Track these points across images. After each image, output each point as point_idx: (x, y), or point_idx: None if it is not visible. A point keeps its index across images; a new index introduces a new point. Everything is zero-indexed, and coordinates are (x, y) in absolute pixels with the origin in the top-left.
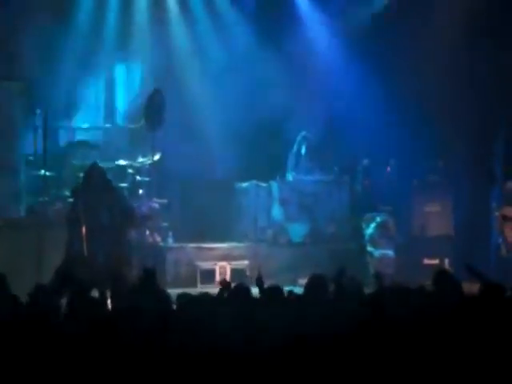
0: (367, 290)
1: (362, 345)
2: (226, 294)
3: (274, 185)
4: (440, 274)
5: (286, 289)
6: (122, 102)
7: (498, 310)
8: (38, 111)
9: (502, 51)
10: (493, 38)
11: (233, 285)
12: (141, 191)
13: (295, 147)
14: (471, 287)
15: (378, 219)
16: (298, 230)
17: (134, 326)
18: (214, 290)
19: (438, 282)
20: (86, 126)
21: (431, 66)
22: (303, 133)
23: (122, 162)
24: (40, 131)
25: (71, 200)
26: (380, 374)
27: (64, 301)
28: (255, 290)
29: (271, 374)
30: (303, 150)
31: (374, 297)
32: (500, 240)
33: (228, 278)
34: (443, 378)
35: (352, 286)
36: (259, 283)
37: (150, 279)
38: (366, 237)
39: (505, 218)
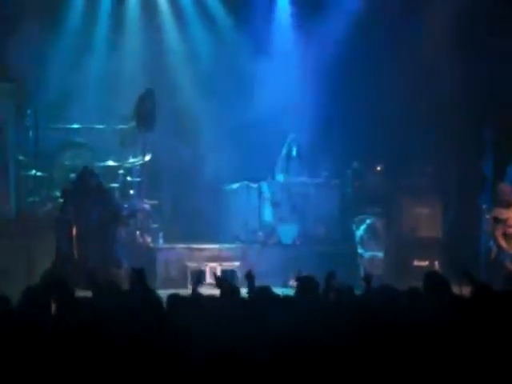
0: (357, 292)
1: (352, 347)
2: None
3: (265, 186)
4: (430, 275)
5: (277, 290)
6: (113, 103)
7: (488, 311)
8: (29, 112)
9: (489, 52)
10: (480, 38)
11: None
12: (131, 192)
13: (284, 150)
14: (461, 289)
15: (368, 221)
16: (288, 232)
17: (124, 327)
18: (204, 290)
19: (429, 284)
20: (76, 126)
21: (421, 70)
22: (292, 135)
23: (112, 163)
24: (31, 132)
25: (61, 200)
26: (369, 374)
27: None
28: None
29: (263, 375)
30: (293, 153)
31: (363, 299)
32: (491, 243)
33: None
34: (434, 378)
35: (342, 290)
36: (249, 278)
37: (140, 280)
38: (357, 238)
39: (496, 220)
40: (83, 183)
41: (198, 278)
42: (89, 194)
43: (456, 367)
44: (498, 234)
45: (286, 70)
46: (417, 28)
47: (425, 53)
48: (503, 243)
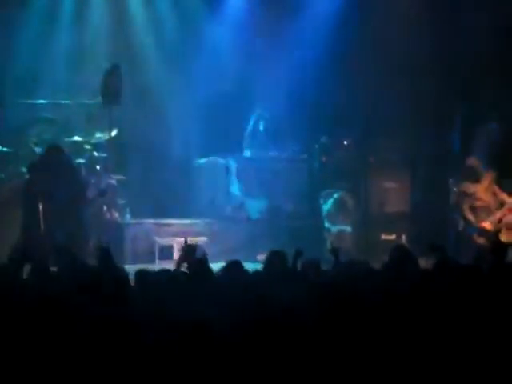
0: (325, 266)
1: (321, 321)
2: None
3: (232, 161)
4: (396, 249)
5: (246, 265)
6: (79, 78)
7: (454, 283)
8: None
9: (457, 26)
10: (447, 13)
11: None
12: (98, 167)
13: (251, 125)
14: (427, 263)
15: (336, 195)
16: (256, 207)
17: (89, 303)
18: (172, 266)
19: (395, 257)
20: (43, 102)
21: (389, 45)
22: (259, 110)
23: (79, 138)
24: None
25: (28, 176)
26: (340, 349)
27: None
28: (215, 266)
29: (233, 352)
30: (260, 127)
31: (331, 273)
32: (456, 216)
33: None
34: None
35: (309, 267)
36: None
37: (106, 257)
38: (324, 213)
39: (464, 193)
40: (50, 159)
41: (189, 253)
42: (56, 169)
43: (422, 338)
44: (466, 207)
45: (254, 44)
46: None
47: (393, 27)
48: (471, 217)
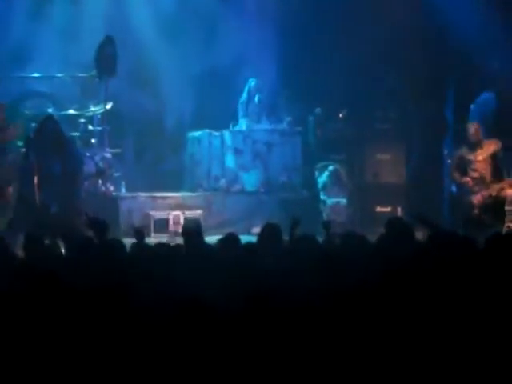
0: (320, 239)
1: (314, 294)
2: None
3: (227, 134)
4: (392, 221)
5: (241, 238)
6: (73, 51)
7: (449, 256)
8: None
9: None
10: None
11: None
12: (93, 141)
13: (245, 95)
14: (424, 234)
15: (331, 168)
16: (251, 179)
17: (85, 275)
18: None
19: (391, 230)
20: (37, 75)
21: (385, 16)
22: (253, 80)
23: (73, 112)
24: None
25: (24, 150)
26: (333, 324)
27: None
28: (211, 239)
29: (226, 326)
30: (255, 99)
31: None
32: (452, 186)
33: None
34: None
35: (305, 238)
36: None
37: (103, 232)
38: (319, 185)
39: (461, 158)
40: (45, 131)
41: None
42: (51, 142)
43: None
44: (453, 168)
45: (248, 15)
46: None
47: (393, 3)
48: (457, 176)
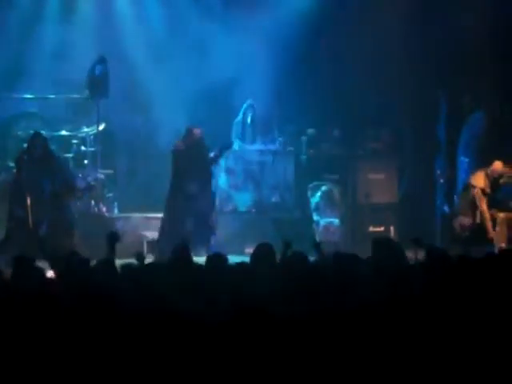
0: (312, 259)
1: (308, 313)
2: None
3: None
4: (378, 242)
5: (234, 258)
6: (66, 72)
7: (442, 276)
8: None
9: (445, 20)
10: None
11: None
12: (86, 162)
13: (240, 115)
14: (416, 254)
15: (324, 188)
16: (243, 199)
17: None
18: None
19: (378, 251)
20: (30, 96)
21: (377, 35)
22: (249, 101)
23: (66, 133)
24: None
25: (15, 171)
26: (325, 341)
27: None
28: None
29: (221, 342)
30: (248, 120)
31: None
32: (445, 207)
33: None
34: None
35: (297, 259)
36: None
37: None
38: (312, 205)
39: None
40: (33, 148)
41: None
42: (39, 159)
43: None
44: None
45: (241, 36)
46: None
47: (381, 19)
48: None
